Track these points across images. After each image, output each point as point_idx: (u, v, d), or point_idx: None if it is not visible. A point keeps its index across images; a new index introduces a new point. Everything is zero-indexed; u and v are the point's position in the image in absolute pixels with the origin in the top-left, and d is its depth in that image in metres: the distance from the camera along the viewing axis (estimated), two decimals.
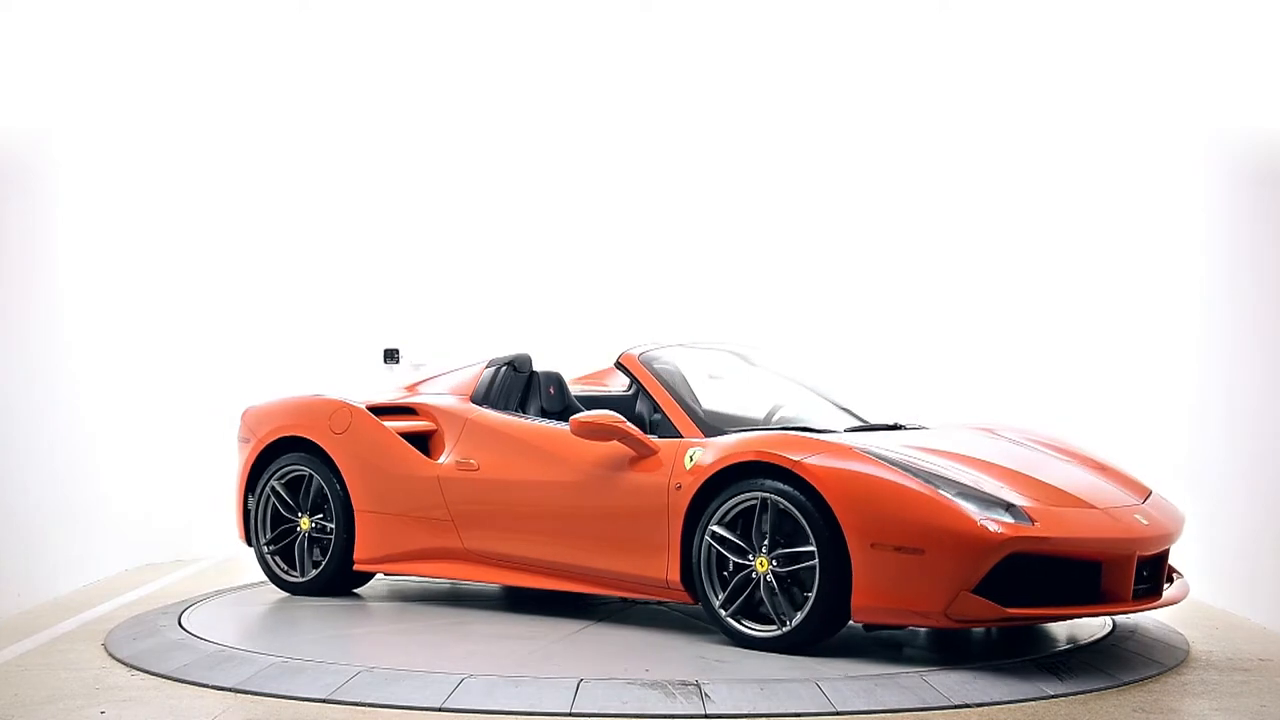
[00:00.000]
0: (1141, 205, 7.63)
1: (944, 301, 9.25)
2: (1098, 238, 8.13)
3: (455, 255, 9.49)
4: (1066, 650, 5.25)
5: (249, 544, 6.87)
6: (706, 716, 4.29)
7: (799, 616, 5.03)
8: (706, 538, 5.30)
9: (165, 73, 8.58)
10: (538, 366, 6.64)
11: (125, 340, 8.17)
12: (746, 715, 4.31)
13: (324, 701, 4.53)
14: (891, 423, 6.29)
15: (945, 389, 8.87)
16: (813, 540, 4.98)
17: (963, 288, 9.22)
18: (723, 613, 5.26)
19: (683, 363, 6.24)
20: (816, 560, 4.97)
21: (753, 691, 4.48)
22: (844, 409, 6.50)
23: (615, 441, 5.65)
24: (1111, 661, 5.10)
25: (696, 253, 9.46)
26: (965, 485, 4.93)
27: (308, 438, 6.62)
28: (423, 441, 6.46)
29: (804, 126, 9.44)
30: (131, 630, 5.77)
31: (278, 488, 6.73)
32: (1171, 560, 5.54)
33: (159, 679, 4.92)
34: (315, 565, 6.63)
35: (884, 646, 5.29)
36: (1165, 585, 5.31)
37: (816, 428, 5.92)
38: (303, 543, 6.67)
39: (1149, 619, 5.95)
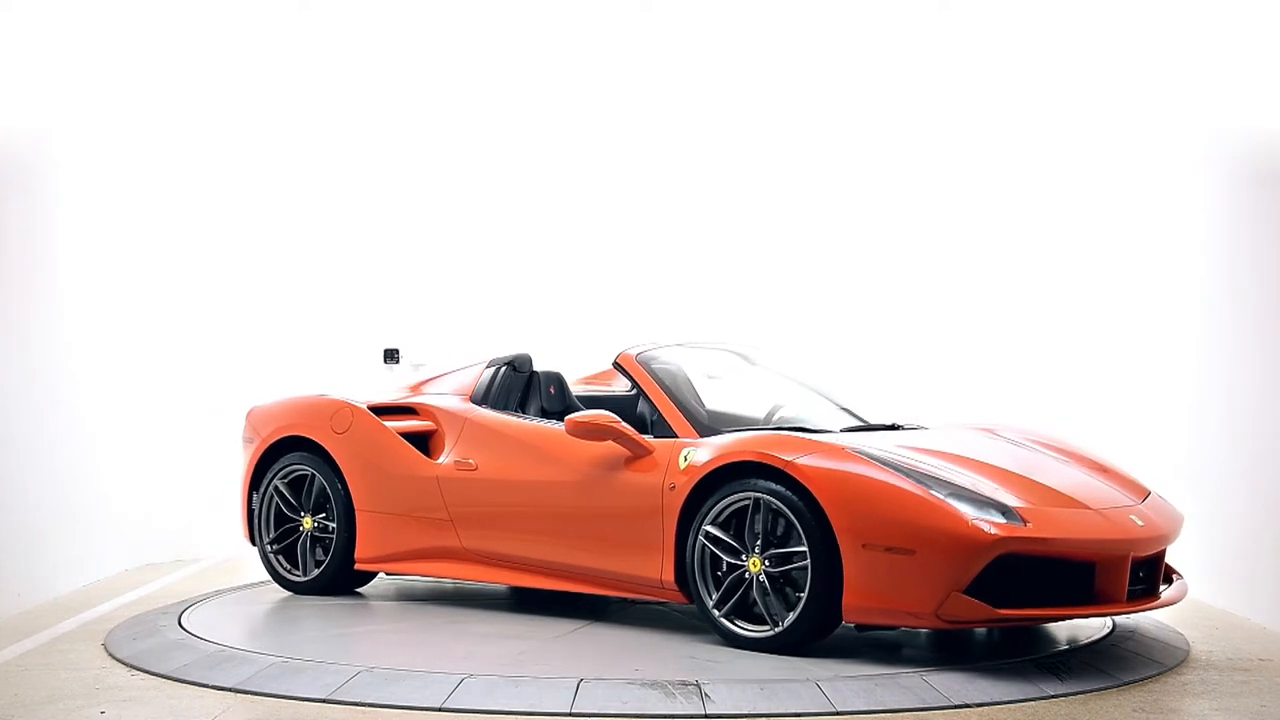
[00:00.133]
0: (1141, 205, 7.63)
1: (945, 301, 9.25)
2: (1098, 238, 8.13)
3: (455, 255, 9.50)
4: (1066, 650, 5.25)
5: (253, 543, 6.88)
6: (706, 716, 4.29)
7: (791, 617, 5.03)
8: (700, 538, 5.29)
9: (165, 73, 8.58)
10: (538, 366, 6.65)
11: (125, 340, 8.17)
12: (747, 715, 4.31)
13: (324, 701, 4.53)
14: (890, 423, 6.28)
15: (946, 389, 8.88)
16: (804, 540, 4.98)
17: (963, 288, 9.22)
18: (716, 613, 5.26)
19: (681, 363, 6.24)
20: (808, 560, 4.97)
21: (753, 691, 4.48)
22: (845, 409, 6.49)
23: (610, 441, 5.65)
24: (1111, 661, 5.10)
25: (697, 253, 9.47)
26: (957, 486, 4.92)
27: (310, 437, 6.63)
28: (424, 442, 6.47)
29: (804, 127, 9.44)
30: (131, 630, 5.77)
31: (280, 487, 6.74)
32: (1171, 560, 5.54)
33: (159, 679, 4.92)
34: (318, 564, 6.64)
35: (883, 647, 5.28)
36: (1163, 586, 5.30)
37: (812, 428, 5.92)
38: (305, 542, 6.68)
39: (1149, 619, 5.95)
